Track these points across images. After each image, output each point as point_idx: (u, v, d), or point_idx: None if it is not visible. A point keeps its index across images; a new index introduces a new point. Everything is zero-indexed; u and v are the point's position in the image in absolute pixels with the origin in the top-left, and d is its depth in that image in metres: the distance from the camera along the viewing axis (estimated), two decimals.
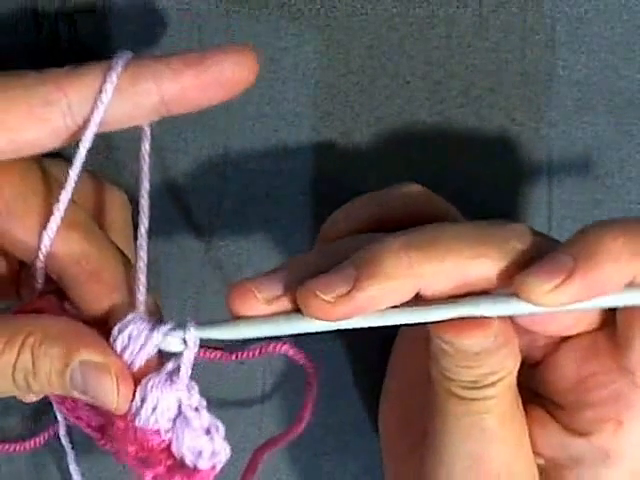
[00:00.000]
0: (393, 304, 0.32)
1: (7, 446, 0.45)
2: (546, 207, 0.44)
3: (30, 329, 0.32)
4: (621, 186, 0.44)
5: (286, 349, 0.42)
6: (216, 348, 0.44)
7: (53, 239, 0.33)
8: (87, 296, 0.34)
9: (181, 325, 0.33)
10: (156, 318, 0.34)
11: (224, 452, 0.34)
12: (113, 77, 0.31)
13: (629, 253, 0.30)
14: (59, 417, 0.42)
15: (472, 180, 0.44)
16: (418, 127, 0.44)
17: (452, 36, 0.43)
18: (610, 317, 0.34)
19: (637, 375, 0.33)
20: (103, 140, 0.33)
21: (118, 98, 0.32)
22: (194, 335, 0.32)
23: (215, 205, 0.44)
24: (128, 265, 0.34)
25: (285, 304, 0.32)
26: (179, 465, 0.33)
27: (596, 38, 0.43)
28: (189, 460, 0.33)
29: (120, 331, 0.33)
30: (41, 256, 0.33)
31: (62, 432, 0.43)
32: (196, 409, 0.33)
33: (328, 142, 0.44)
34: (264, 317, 0.32)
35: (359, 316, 0.31)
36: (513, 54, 0.43)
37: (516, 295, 0.31)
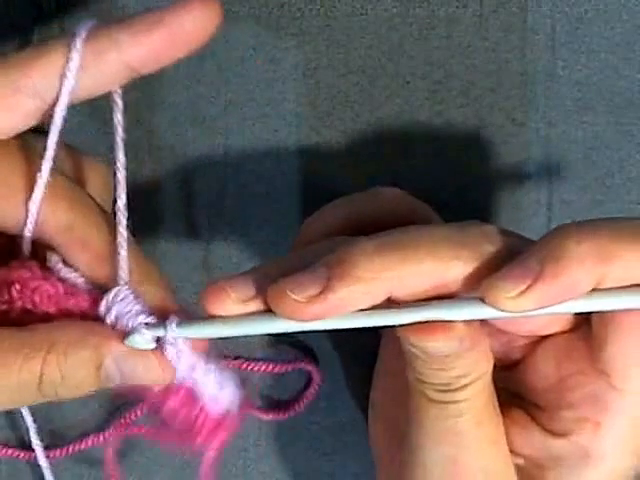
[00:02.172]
0: (364, 306, 0.31)
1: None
2: (546, 207, 0.44)
3: (49, 341, 0.32)
4: (621, 186, 0.44)
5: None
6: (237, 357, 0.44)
7: (40, 209, 0.33)
8: (79, 265, 0.34)
9: (159, 323, 0.33)
10: (157, 299, 0.34)
11: (233, 406, 0.34)
12: (75, 55, 0.31)
13: (594, 257, 0.30)
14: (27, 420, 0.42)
15: (472, 180, 0.44)
16: (418, 127, 0.44)
17: (452, 36, 0.43)
18: (585, 317, 0.34)
19: (612, 377, 0.33)
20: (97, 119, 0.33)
21: (83, 74, 0.31)
22: (171, 333, 0.33)
23: (215, 205, 0.44)
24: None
25: (259, 304, 0.32)
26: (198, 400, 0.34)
27: (596, 38, 0.43)
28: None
29: (107, 311, 0.33)
30: (28, 227, 0.33)
31: (32, 431, 0.43)
32: (207, 374, 0.34)
33: (328, 142, 0.44)
34: (239, 316, 0.32)
35: (330, 317, 0.31)
36: (513, 54, 0.43)
37: (483, 299, 0.31)
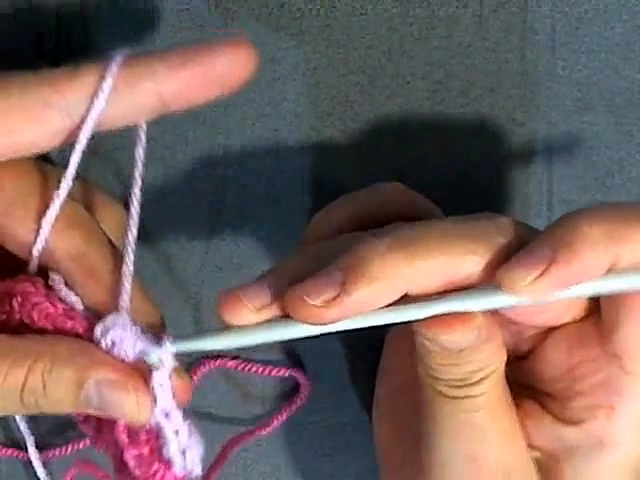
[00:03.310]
0: (381, 305, 0.32)
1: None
2: (546, 207, 0.44)
3: (37, 351, 0.32)
4: (621, 186, 0.44)
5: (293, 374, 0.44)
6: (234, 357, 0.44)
7: (50, 234, 0.33)
8: (82, 292, 0.34)
9: (160, 341, 0.33)
10: (152, 331, 0.34)
11: (194, 471, 0.34)
12: (109, 78, 0.31)
13: (606, 239, 0.30)
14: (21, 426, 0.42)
15: (472, 180, 0.44)
16: (418, 127, 0.44)
17: (452, 36, 0.43)
18: (595, 305, 0.34)
19: (624, 360, 0.33)
20: (101, 139, 0.33)
21: (115, 98, 0.31)
22: (169, 353, 0.33)
23: (215, 205, 0.44)
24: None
25: (275, 311, 0.32)
26: (161, 453, 0.34)
27: (596, 38, 0.43)
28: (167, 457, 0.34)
29: (103, 334, 0.33)
30: (37, 246, 0.33)
31: (23, 427, 0.43)
32: (176, 432, 0.33)
33: (328, 142, 0.44)
34: (256, 325, 0.32)
35: (348, 319, 0.32)
36: (513, 54, 0.43)
37: (500, 288, 0.31)
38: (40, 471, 0.44)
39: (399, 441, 0.38)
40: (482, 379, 0.33)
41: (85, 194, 0.37)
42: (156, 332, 0.34)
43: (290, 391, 0.45)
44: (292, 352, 0.45)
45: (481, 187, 0.44)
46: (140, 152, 0.33)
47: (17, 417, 0.43)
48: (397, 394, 0.39)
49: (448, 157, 0.44)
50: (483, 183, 0.44)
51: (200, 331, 0.33)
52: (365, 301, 0.31)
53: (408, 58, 0.43)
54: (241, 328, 0.32)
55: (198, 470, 0.34)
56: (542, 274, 0.30)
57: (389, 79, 0.43)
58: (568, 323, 0.35)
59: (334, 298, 0.31)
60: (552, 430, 0.35)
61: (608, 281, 0.31)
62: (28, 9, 0.42)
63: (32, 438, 0.44)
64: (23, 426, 0.43)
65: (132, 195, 0.33)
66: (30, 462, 0.45)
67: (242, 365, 0.44)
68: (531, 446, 0.35)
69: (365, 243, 0.32)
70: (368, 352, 0.44)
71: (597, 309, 0.34)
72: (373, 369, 0.42)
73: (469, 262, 0.31)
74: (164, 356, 0.33)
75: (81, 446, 0.45)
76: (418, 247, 0.31)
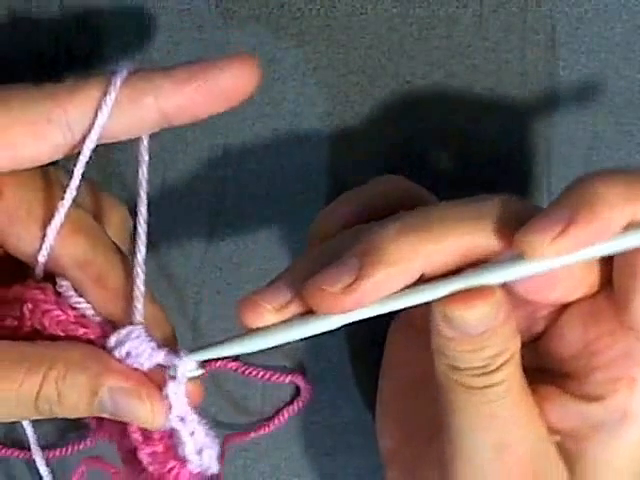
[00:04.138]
0: (399, 288, 0.32)
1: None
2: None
3: (51, 358, 0.32)
4: None
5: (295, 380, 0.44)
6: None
7: (56, 241, 0.33)
8: (90, 299, 0.34)
9: (177, 353, 0.33)
10: (164, 339, 0.34)
11: (211, 469, 0.35)
12: (112, 93, 0.31)
13: (623, 199, 0.31)
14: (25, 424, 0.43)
15: (472, 179, 0.44)
16: (418, 127, 0.44)
17: (452, 36, 0.43)
18: (607, 280, 0.34)
19: None
20: (104, 145, 0.33)
21: (117, 113, 0.32)
22: (187, 366, 0.33)
23: (215, 205, 0.44)
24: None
25: (294, 309, 0.32)
26: (176, 450, 0.34)
27: (596, 38, 0.43)
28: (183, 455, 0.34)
29: (117, 345, 0.33)
30: (42, 252, 0.33)
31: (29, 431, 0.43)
32: (192, 433, 0.34)
33: (328, 142, 0.44)
34: (276, 325, 0.32)
35: (367, 305, 0.32)
36: (513, 54, 0.43)
37: (517, 259, 0.31)
38: (43, 469, 0.44)
39: (408, 438, 0.38)
40: (502, 365, 0.33)
41: (88, 195, 0.37)
42: (168, 343, 0.34)
43: (291, 391, 0.45)
44: (292, 353, 0.45)
45: (481, 186, 0.44)
46: (144, 169, 0.34)
47: (25, 426, 0.43)
48: (403, 388, 0.39)
49: (448, 157, 0.44)
50: (483, 182, 0.44)
51: (220, 339, 0.33)
52: (383, 284, 0.31)
53: (408, 58, 0.43)
54: (261, 330, 0.32)
55: (215, 468, 0.35)
56: (561, 234, 0.30)
57: (389, 79, 0.43)
58: (580, 299, 0.35)
59: (352, 284, 0.31)
60: (574, 410, 0.35)
61: (625, 238, 0.31)
62: (27, 17, 0.42)
63: (34, 436, 0.44)
64: (27, 424, 0.43)
65: (138, 214, 0.34)
66: (30, 462, 0.45)
67: (242, 368, 0.44)
68: (552, 430, 0.35)
69: (376, 230, 0.32)
70: (368, 352, 0.44)
71: (609, 283, 0.34)
72: (374, 368, 0.42)
73: (479, 237, 0.32)
74: (181, 369, 0.33)
75: (81, 447, 0.45)
76: (428, 227, 0.32)
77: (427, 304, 0.32)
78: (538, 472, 0.34)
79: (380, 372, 0.41)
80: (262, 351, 0.33)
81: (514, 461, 0.34)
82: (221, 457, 0.36)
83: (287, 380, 0.44)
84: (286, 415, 0.45)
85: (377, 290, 0.31)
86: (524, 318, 0.36)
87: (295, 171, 0.44)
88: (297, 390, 0.45)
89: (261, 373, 0.44)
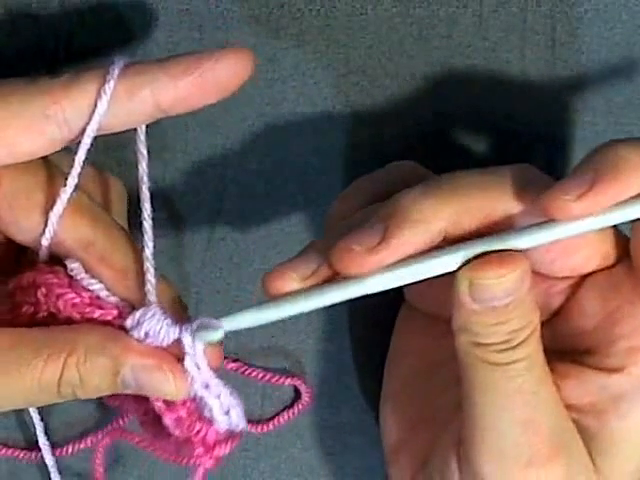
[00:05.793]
0: (424, 247, 0.32)
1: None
2: None
3: (71, 344, 0.33)
4: None
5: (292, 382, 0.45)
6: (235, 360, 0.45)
7: (59, 224, 0.33)
8: (99, 280, 0.34)
9: (190, 325, 0.33)
10: (176, 314, 0.34)
11: (240, 426, 0.35)
12: (108, 88, 0.32)
13: None
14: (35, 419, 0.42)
15: None
16: (418, 127, 0.44)
17: (452, 36, 0.43)
18: (624, 251, 0.34)
19: None
20: (103, 145, 0.33)
21: (114, 106, 0.32)
22: (203, 337, 0.33)
23: (215, 205, 0.44)
24: (137, 252, 0.35)
25: (319, 278, 0.33)
26: (201, 412, 0.35)
27: (596, 38, 0.43)
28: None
29: (135, 327, 0.33)
30: (46, 236, 0.34)
31: (39, 430, 0.43)
32: (217, 396, 0.34)
33: (328, 142, 0.44)
34: (301, 292, 0.33)
35: (396, 274, 0.32)
36: (513, 54, 0.43)
37: (540, 225, 0.32)
38: (51, 464, 0.44)
39: (419, 425, 0.38)
40: (525, 339, 0.33)
41: (85, 174, 0.37)
42: (179, 312, 0.35)
43: (291, 391, 0.45)
44: (292, 353, 0.45)
45: None
46: (144, 166, 0.34)
47: (33, 415, 0.43)
48: (413, 376, 0.39)
49: (448, 157, 0.44)
50: None
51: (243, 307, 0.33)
52: (408, 242, 0.32)
53: (408, 58, 0.43)
54: (286, 298, 0.33)
55: (243, 424, 0.35)
56: (586, 192, 0.31)
57: (389, 79, 0.43)
58: (598, 271, 0.35)
59: (378, 244, 0.32)
60: (595, 383, 0.35)
61: None
62: (27, 13, 0.42)
63: (42, 424, 0.44)
64: (35, 417, 0.43)
65: (144, 211, 0.34)
66: (29, 461, 0.45)
67: (242, 369, 0.44)
68: (571, 407, 0.35)
69: (400, 195, 0.33)
70: (369, 352, 0.44)
71: (626, 254, 0.34)
72: (374, 368, 0.42)
73: (503, 200, 0.33)
74: (199, 341, 0.33)
75: (82, 446, 0.45)
76: (451, 190, 0.33)
77: (450, 274, 0.32)
78: (562, 448, 0.34)
79: (386, 362, 0.41)
80: (282, 320, 0.33)
81: (541, 435, 0.34)
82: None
83: (287, 382, 0.44)
84: (286, 417, 0.45)
85: (402, 249, 0.32)
86: (540, 295, 0.36)
87: (295, 171, 0.44)
88: (297, 391, 0.45)
89: (261, 374, 0.44)
